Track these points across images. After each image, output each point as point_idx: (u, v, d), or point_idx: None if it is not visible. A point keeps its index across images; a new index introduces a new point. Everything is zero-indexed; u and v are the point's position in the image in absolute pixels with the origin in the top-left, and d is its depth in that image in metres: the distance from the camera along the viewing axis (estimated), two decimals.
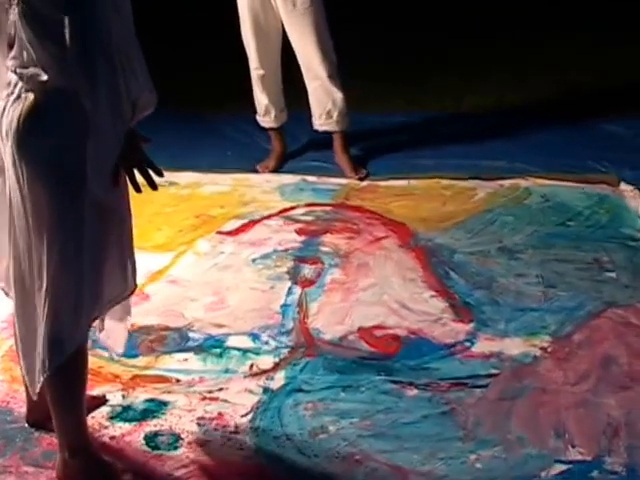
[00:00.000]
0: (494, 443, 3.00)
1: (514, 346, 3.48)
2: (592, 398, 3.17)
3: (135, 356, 3.56)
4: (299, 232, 4.47)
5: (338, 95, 4.92)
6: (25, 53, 2.57)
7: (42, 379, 2.73)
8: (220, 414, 3.21)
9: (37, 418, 3.15)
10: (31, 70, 2.57)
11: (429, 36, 6.96)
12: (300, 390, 3.32)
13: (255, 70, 5.02)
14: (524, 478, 2.86)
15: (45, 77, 2.55)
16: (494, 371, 3.35)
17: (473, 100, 5.91)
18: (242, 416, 3.19)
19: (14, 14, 2.54)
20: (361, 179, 4.94)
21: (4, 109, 2.62)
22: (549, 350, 3.45)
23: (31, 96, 2.58)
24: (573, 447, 2.96)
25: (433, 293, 3.87)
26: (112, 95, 2.58)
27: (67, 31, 2.48)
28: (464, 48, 6.72)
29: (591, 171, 4.88)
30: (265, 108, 5.13)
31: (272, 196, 4.90)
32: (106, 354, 3.55)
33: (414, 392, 3.27)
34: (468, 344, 3.52)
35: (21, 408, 3.27)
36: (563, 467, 2.89)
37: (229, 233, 4.51)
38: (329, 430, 3.11)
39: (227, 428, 3.14)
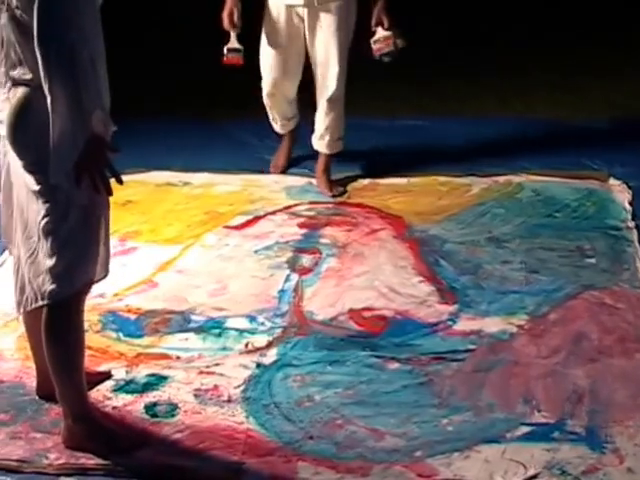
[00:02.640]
0: (465, 409, 3.25)
1: (493, 324, 3.72)
2: (561, 369, 3.41)
3: (140, 336, 3.82)
4: (300, 226, 4.70)
5: (336, 119, 5.03)
6: (13, 53, 2.83)
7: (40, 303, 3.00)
8: (215, 386, 3.47)
9: (46, 391, 3.39)
10: (18, 70, 2.84)
11: (430, 39, 7.13)
12: (290, 365, 3.57)
13: (267, 95, 5.11)
14: (490, 438, 3.09)
15: (30, 75, 2.81)
16: (472, 347, 3.58)
17: (475, 104, 6.09)
18: (235, 387, 3.45)
19: (4, 18, 2.80)
20: (334, 196, 5.05)
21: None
22: (525, 327, 3.68)
23: (19, 94, 2.84)
24: (539, 412, 3.21)
25: (421, 279, 4.09)
26: (71, 100, 2.72)
27: (34, 34, 2.70)
28: (467, 52, 6.89)
29: (583, 168, 5.07)
30: (272, 116, 5.27)
31: (279, 195, 5.12)
32: (114, 335, 3.81)
33: (395, 365, 3.51)
34: (450, 323, 3.75)
35: (32, 382, 3.53)
36: (527, 429, 3.12)
37: (235, 227, 4.74)
38: (314, 399, 3.36)
39: (221, 398, 3.40)
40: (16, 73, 2.85)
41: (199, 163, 5.46)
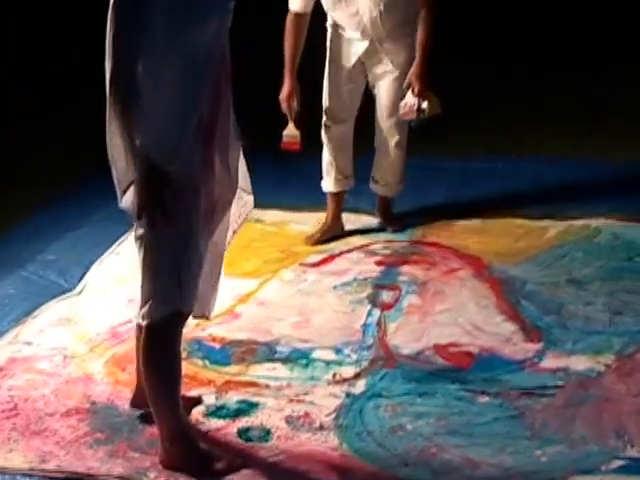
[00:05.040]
0: (558, 441, 3.26)
1: (580, 362, 3.73)
2: None
3: (227, 364, 3.88)
4: (378, 263, 4.77)
5: (400, 165, 5.08)
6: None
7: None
8: (307, 413, 3.51)
9: (139, 403, 3.47)
10: None
11: (504, 80, 7.23)
12: (380, 395, 3.61)
13: (325, 127, 5.06)
14: (585, 470, 3.11)
15: None
16: (560, 383, 3.61)
17: (550, 146, 6.14)
18: (327, 415, 3.49)
19: None
20: (394, 231, 5.12)
21: None
22: (613, 366, 3.70)
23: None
24: (632, 447, 3.20)
25: (505, 317, 4.13)
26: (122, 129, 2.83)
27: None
28: (542, 93, 6.97)
29: None
30: (326, 169, 5.15)
31: (353, 234, 5.19)
32: (200, 362, 3.88)
33: (486, 399, 3.53)
34: (537, 360, 3.78)
35: (124, 405, 3.61)
36: (622, 462, 3.14)
37: (312, 265, 4.81)
38: (407, 428, 3.39)
39: (313, 425, 3.44)
40: None
41: (270, 200, 5.51)
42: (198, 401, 3.62)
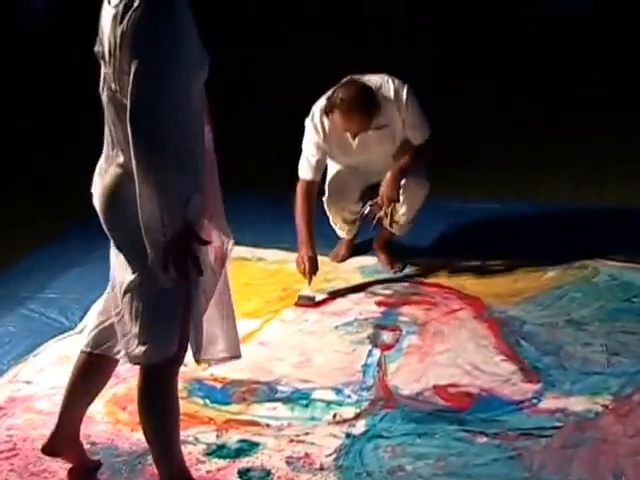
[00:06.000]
0: None
1: (578, 403, 3.76)
2: None
3: (228, 404, 3.92)
4: (379, 304, 4.81)
5: (416, 213, 5.14)
6: (110, 134, 2.93)
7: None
8: (307, 454, 3.53)
9: (53, 449, 3.40)
10: (114, 151, 2.94)
11: (504, 124, 7.30)
12: (380, 436, 3.63)
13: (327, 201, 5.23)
14: None
15: (121, 159, 2.90)
16: (558, 424, 3.63)
17: (548, 189, 6.20)
18: (327, 456, 3.51)
19: (105, 97, 2.91)
20: (395, 272, 5.18)
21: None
22: (610, 407, 3.72)
23: (111, 174, 2.94)
24: None
25: (504, 357, 4.16)
26: (156, 185, 2.74)
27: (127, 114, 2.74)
28: (541, 138, 7.04)
29: None
30: (333, 221, 5.34)
31: (354, 274, 5.24)
32: (201, 401, 3.90)
33: (484, 440, 3.56)
34: (535, 401, 3.81)
35: (124, 444, 3.65)
36: None
37: (312, 305, 4.84)
38: (406, 469, 3.42)
39: (313, 466, 3.46)
40: (112, 154, 2.94)
41: (269, 239, 5.56)
42: (98, 466, 3.56)
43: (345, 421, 3.75)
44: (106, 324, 3.24)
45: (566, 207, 5.90)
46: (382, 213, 5.01)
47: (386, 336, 4.44)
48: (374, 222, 5.08)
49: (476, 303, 4.70)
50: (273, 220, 5.69)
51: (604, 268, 4.99)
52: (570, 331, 4.37)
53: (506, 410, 3.75)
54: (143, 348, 3.05)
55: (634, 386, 3.86)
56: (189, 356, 3.95)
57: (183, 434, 3.57)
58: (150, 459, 3.36)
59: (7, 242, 5.56)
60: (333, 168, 5.17)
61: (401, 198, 4.95)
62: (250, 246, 5.51)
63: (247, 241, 5.55)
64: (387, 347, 4.33)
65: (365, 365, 4.18)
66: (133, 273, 2.99)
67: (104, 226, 3.02)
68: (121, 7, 2.75)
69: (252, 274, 5.24)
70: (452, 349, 4.27)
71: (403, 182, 4.93)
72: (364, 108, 4.75)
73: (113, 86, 2.84)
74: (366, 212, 5.07)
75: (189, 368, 4.06)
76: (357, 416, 3.78)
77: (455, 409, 3.78)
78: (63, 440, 3.37)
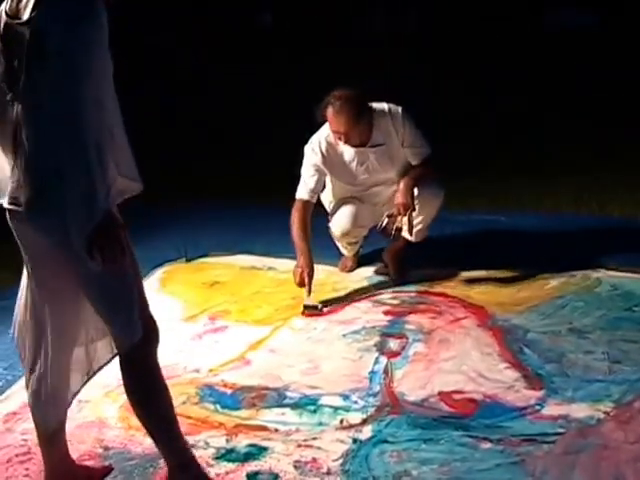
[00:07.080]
0: None
1: (580, 410, 3.84)
2: None
3: (238, 409, 4.01)
4: (386, 313, 4.92)
5: (432, 220, 5.29)
6: (25, 139, 2.94)
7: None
8: (314, 459, 3.62)
9: None
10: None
11: (508, 137, 7.38)
12: (385, 441, 3.72)
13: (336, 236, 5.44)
14: None
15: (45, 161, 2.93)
16: (561, 430, 3.71)
17: (550, 201, 6.29)
18: (334, 461, 3.60)
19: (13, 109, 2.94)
20: (394, 280, 5.32)
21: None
22: (612, 414, 3.80)
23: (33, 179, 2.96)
24: None
25: (508, 365, 4.25)
26: (83, 177, 2.81)
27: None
28: (544, 150, 7.12)
29: None
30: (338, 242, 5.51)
31: (362, 284, 5.36)
32: (212, 407, 4.01)
33: (488, 445, 3.64)
34: (538, 407, 3.89)
35: (137, 448, 3.74)
36: None
37: (319, 314, 4.97)
38: (412, 474, 3.50)
39: (320, 470, 3.55)
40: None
41: (280, 249, 5.66)
42: (109, 471, 3.64)
43: (352, 426, 3.84)
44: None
45: (568, 218, 6.03)
46: (399, 223, 5.09)
47: (393, 344, 4.54)
48: (393, 233, 5.19)
49: (480, 312, 4.80)
50: (284, 230, 5.75)
51: (606, 278, 5.10)
52: (572, 339, 4.46)
53: (509, 416, 3.83)
54: (117, 340, 3.16)
55: (635, 393, 3.94)
56: (202, 363, 4.11)
57: (194, 439, 3.71)
58: (162, 463, 3.46)
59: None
60: (337, 196, 5.33)
61: (417, 207, 5.07)
62: (261, 255, 5.67)
63: (258, 251, 5.75)
64: (393, 354, 4.43)
65: (372, 372, 4.27)
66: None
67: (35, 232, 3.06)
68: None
69: (263, 283, 5.40)
70: (457, 357, 4.36)
71: (417, 193, 5.04)
72: (353, 105, 4.93)
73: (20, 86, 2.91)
74: (384, 224, 5.17)
75: (202, 374, 4.21)
76: (364, 422, 3.87)
77: (460, 415, 3.87)
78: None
